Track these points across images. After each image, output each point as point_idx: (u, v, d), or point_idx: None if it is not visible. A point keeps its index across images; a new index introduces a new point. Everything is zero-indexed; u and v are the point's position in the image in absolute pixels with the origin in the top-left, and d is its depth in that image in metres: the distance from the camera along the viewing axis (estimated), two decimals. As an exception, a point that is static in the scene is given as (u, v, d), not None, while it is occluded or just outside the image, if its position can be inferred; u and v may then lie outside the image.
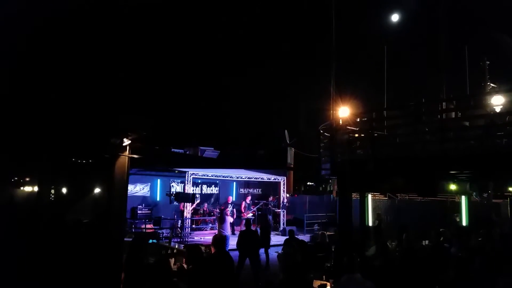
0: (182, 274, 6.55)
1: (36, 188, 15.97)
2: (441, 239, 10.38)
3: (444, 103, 9.94)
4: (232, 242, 14.77)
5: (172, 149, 21.01)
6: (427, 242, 11.55)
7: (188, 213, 18.82)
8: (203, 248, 7.58)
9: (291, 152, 26.43)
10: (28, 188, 19.03)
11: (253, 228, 12.01)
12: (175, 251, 11.10)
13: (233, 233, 17.71)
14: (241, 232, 11.46)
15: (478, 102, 10.12)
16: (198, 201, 20.02)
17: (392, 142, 10.31)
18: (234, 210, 19.62)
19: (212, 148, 23.07)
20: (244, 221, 19.57)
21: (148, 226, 17.48)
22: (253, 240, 10.94)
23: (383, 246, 8.39)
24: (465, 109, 9.98)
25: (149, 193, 20.52)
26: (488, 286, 5.94)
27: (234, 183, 23.45)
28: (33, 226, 10.85)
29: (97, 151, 9.36)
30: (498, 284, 5.57)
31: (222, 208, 17.23)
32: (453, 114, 9.94)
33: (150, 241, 12.17)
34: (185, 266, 7.32)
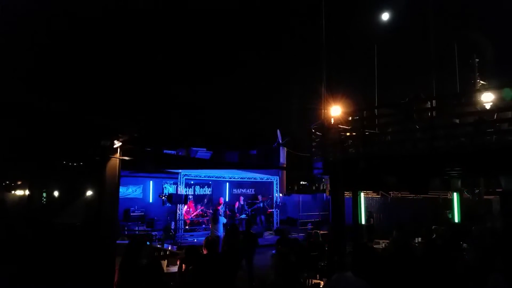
0: (173, 277, 6.54)
1: (27, 192, 15.82)
2: (434, 236, 10.44)
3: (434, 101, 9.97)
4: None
5: (164, 150, 20.93)
6: (419, 239, 11.61)
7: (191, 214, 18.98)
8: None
9: (283, 152, 26.44)
10: (19, 192, 18.82)
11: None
12: (168, 253, 11.06)
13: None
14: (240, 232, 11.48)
15: (468, 99, 10.18)
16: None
17: (384, 140, 10.34)
18: (227, 211, 19.60)
19: (205, 149, 23.02)
20: (238, 221, 19.68)
21: (140, 228, 17.42)
22: (251, 241, 10.93)
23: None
24: (455, 106, 10.04)
25: (141, 195, 20.42)
26: (479, 282, 5.97)
27: (227, 183, 23.41)
28: (24, 229, 10.75)
29: (88, 153, 9.30)
30: (490, 280, 5.60)
31: (217, 208, 17.23)
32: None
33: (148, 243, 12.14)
34: (177, 268, 7.29)
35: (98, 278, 8.04)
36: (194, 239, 17.51)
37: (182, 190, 18.89)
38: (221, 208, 19.27)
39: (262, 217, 21.51)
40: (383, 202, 18.74)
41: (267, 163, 25.56)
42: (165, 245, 13.41)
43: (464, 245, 9.59)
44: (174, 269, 8.42)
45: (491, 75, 15.04)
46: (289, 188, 30.97)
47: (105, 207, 8.90)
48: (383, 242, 12.69)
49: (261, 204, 21.66)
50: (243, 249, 10.76)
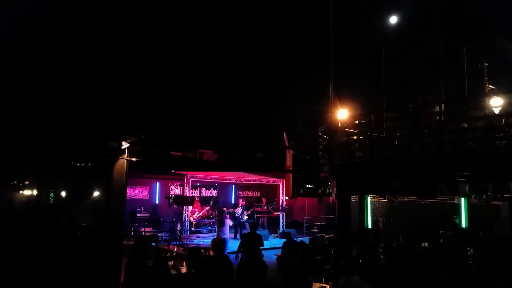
0: (180, 278, 6.54)
1: (35, 192, 15.92)
2: (441, 241, 10.39)
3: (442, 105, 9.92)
4: (232, 245, 14.78)
5: (171, 152, 20.99)
6: (426, 244, 11.55)
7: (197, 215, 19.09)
8: (202, 251, 7.57)
9: (290, 155, 26.43)
10: (27, 192, 18.96)
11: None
12: (174, 254, 11.08)
13: (235, 237, 17.74)
14: (244, 234, 11.46)
15: (476, 104, 10.11)
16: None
17: (391, 144, 10.30)
18: (243, 213, 19.64)
19: (211, 151, 23.06)
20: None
21: (147, 229, 17.47)
22: (256, 243, 10.90)
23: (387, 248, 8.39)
24: (464, 110, 9.97)
25: (148, 196, 20.49)
26: (487, 287, 5.93)
27: (233, 185, 23.43)
28: (32, 229, 10.83)
29: (96, 154, 9.36)
30: (498, 286, 5.56)
31: (224, 210, 17.25)
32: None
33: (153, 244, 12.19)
34: (183, 270, 7.30)
35: (105, 278, 8.07)
36: (200, 241, 17.53)
37: (188, 192, 18.92)
38: (238, 210, 19.33)
39: (265, 219, 21.47)
40: (389, 206, 18.64)
41: (273, 166, 25.54)
42: (171, 246, 13.44)
43: (471, 250, 9.53)
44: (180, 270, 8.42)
45: (500, 80, 14.96)
46: (295, 191, 30.90)
47: (112, 208, 8.95)
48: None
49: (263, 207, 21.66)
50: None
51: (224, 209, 18.38)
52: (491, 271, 6.00)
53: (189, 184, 19.09)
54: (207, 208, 20.38)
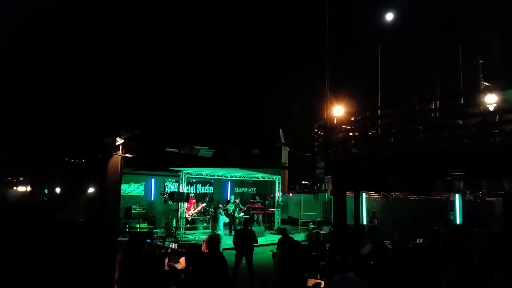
0: (175, 275, 6.52)
1: (29, 188, 15.84)
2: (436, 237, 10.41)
3: (437, 102, 9.93)
4: (227, 242, 14.78)
5: (167, 148, 20.93)
6: (421, 240, 11.59)
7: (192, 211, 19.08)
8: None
9: (285, 151, 26.45)
10: (21, 188, 18.86)
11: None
12: (169, 250, 11.04)
13: (230, 234, 17.73)
14: (237, 230, 11.47)
15: (471, 101, 10.13)
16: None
17: (386, 141, 10.30)
18: (237, 208, 19.60)
19: (207, 147, 23.03)
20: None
21: (142, 225, 17.46)
22: (248, 239, 10.95)
23: (378, 244, 8.39)
24: (458, 107, 9.99)
25: (143, 193, 20.44)
26: (481, 283, 5.94)
27: (229, 182, 23.41)
28: (25, 226, 10.76)
29: (90, 150, 9.28)
30: (492, 280, 5.57)
31: (220, 206, 17.23)
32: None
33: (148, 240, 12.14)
34: (179, 266, 7.28)
35: (99, 275, 8.04)
36: (195, 237, 17.52)
37: (183, 188, 18.88)
38: (229, 206, 19.32)
39: (260, 216, 21.47)
40: (384, 203, 18.70)
41: (269, 162, 25.55)
42: (166, 243, 13.42)
43: (466, 246, 9.54)
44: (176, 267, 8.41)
45: (495, 77, 15.00)
46: (291, 187, 30.94)
47: (107, 204, 8.88)
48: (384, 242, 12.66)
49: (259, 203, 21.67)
50: (240, 247, 10.79)
51: (220, 205, 18.38)
52: (493, 266, 6.00)
53: (184, 181, 19.04)
54: (202, 205, 20.35)
